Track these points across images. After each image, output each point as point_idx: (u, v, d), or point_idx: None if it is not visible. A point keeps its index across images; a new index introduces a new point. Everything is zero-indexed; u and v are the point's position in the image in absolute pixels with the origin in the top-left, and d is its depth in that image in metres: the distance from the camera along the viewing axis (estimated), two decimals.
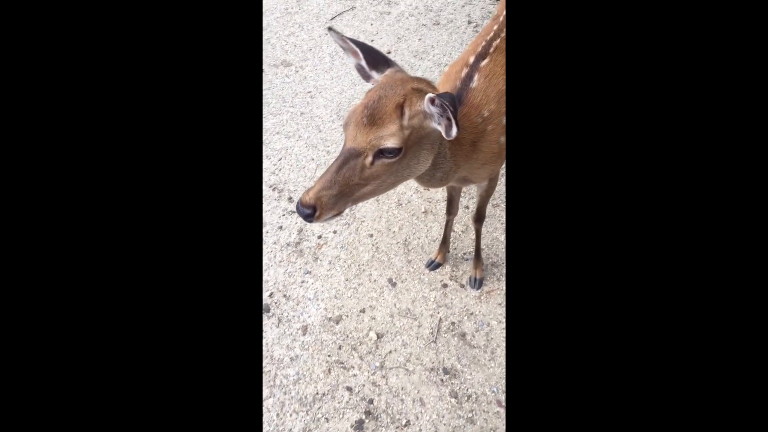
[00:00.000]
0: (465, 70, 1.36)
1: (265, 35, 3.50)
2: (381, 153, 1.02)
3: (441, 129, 1.05)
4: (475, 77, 1.34)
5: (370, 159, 1.02)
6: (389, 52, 3.24)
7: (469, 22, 3.47)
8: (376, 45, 3.33)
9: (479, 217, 1.78)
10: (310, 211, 1.01)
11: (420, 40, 3.35)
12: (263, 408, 1.65)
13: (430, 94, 1.00)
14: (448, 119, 1.01)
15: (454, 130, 1.01)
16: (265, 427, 1.60)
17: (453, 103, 0.96)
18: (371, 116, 1.01)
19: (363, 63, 1.17)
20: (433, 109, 1.03)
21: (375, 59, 1.16)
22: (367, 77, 1.20)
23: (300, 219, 2.27)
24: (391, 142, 1.01)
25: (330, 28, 1.16)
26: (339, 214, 1.06)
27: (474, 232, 1.91)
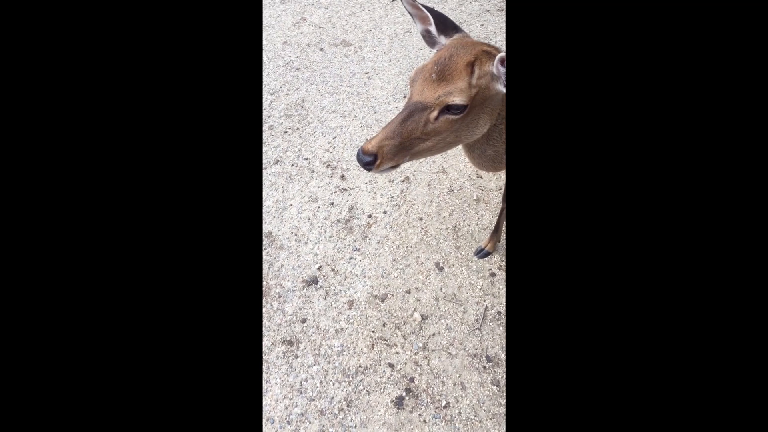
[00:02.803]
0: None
1: (326, 14, 3.53)
2: (447, 109, 1.02)
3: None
4: None
5: (435, 114, 1.03)
6: None
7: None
8: None
9: None
10: (371, 159, 1.02)
11: (482, 25, 3.27)
12: (307, 374, 1.71)
13: (501, 54, 1.00)
14: None
15: None
16: (309, 392, 1.66)
17: None
18: (441, 72, 1.02)
19: (432, 28, 1.17)
20: (502, 70, 1.02)
21: (444, 24, 1.16)
22: (433, 43, 1.20)
23: (350, 197, 2.30)
24: (459, 99, 1.01)
25: None
26: (396, 166, 1.08)
27: None
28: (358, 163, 1.05)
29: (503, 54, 1.00)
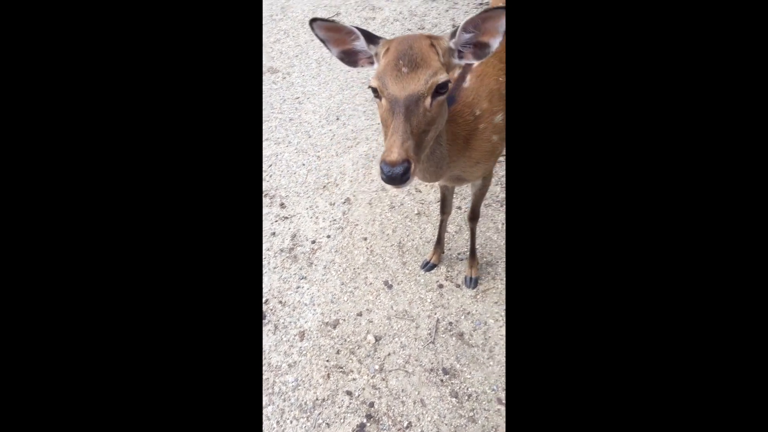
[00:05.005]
0: (457, 71, 1.38)
1: None
2: (436, 91, 1.03)
3: (470, 58, 1.10)
4: (468, 77, 1.37)
5: (429, 100, 1.03)
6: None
7: (454, 26, 3.51)
8: None
9: (474, 216, 1.80)
10: (406, 166, 0.94)
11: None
12: (263, 416, 1.62)
13: (466, 20, 1.05)
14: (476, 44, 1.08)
15: (497, 42, 1.05)
16: None
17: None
18: (412, 62, 1.02)
19: (359, 42, 1.18)
20: (465, 36, 1.08)
21: (369, 36, 1.19)
22: (354, 62, 1.21)
23: (292, 224, 2.25)
24: (443, 76, 1.02)
25: (313, 21, 1.13)
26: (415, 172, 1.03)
27: (468, 231, 1.92)
28: (390, 184, 0.95)
29: (464, 22, 1.05)
